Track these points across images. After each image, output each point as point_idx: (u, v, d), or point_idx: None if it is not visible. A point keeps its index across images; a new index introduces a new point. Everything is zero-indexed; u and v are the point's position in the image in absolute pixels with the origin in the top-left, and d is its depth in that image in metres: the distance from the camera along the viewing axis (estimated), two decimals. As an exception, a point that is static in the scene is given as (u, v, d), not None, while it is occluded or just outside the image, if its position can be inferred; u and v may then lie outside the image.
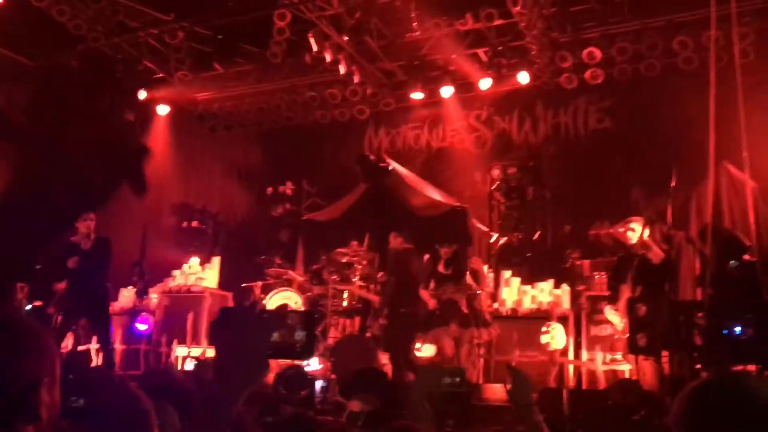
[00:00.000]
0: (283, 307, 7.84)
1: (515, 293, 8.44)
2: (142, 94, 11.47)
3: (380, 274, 8.88)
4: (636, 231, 6.77)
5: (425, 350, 8.36)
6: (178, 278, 10.00)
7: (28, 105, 10.71)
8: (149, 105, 11.79)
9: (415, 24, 9.88)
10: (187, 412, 4.10)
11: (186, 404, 4.22)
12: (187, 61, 10.62)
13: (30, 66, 10.55)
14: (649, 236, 6.70)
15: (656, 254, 6.57)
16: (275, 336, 2.12)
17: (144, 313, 9.62)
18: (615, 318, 6.99)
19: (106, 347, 7.92)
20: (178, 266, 10.25)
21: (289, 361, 6.76)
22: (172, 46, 10.48)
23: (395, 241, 8.62)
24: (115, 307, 9.65)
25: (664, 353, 6.22)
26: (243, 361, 1.77)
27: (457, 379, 3.80)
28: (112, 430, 1.83)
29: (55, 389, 1.44)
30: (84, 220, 7.74)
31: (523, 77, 10.10)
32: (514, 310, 8.31)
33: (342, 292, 9.21)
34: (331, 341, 8.55)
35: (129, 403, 2.08)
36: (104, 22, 9.96)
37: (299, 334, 2.38)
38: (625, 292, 6.86)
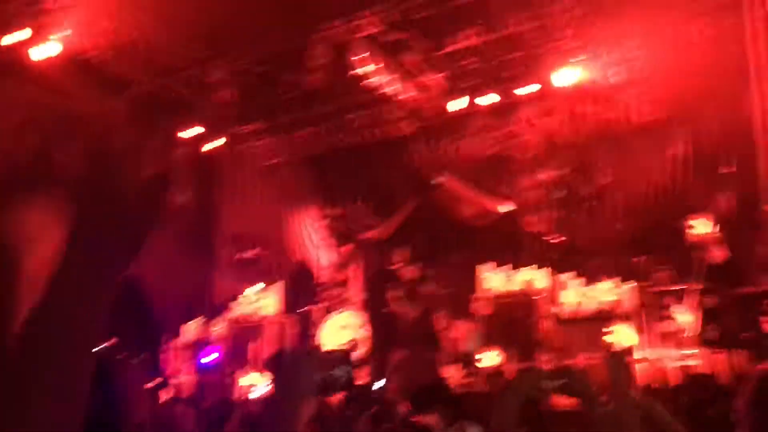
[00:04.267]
0: (320, 348, 7.89)
1: (576, 295, 8.28)
2: (192, 131, 11.77)
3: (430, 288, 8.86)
4: (699, 227, 6.59)
5: (488, 359, 8.28)
6: (238, 308, 10.17)
7: (83, 155, 11.12)
8: (197, 142, 12.08)
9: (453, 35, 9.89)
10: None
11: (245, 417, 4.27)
12: (232, 95, 10.84)
13: (81, 114, 10.95)
14: (713, 231, 6.53)
15: (720, 254, 6.38)
16: (321, 374, 2.20)
17: (210, 345, 9.80)
18: (682, 315, 6.80)
19: (161, 381, 7.97)
20: (237, 297, 10.42)
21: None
22: (217, 82, 10.72)
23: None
24: (180, 340, 9.88)
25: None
26: (292, 399, 1.83)
27: (564, 382, 3.74)
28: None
29: None
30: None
31: (566, 76, 9.97)
32: (575, 312, 8.15)
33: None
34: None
35: None
36: (149, 64, 10.28)
37: (341, 370, 2.44)
38: (690, 288, 6.68)
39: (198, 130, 11.80)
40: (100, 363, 1.67)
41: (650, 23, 9.44)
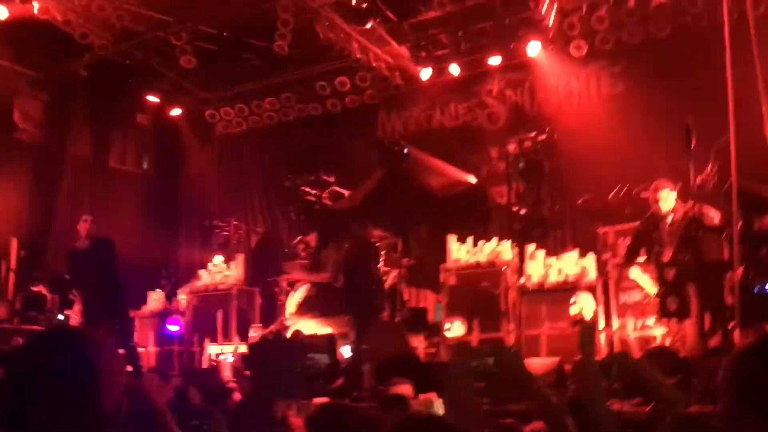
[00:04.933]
0: (299, 334, 7.86)
1: (541, 267, 8.41)
2: (153, 98, 11.53)
3: (405, 259, 8.89)
4: (665, 196, 6.71)
5: (455, 329, 8.39)
6: (205, 277, 10.09)
7: (41, 117, 10.82)
8: (161, 108, 11.85)
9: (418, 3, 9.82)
10: (233, 414, 4.14)
11: (229, 406, 4.26)
12: (194, 61, 10.61)
13: (41, 78, 10.61)
14: (677, 199, 6.66)
15: (710, 218, 6.51)
16: (303, 361, 2.19)
17: (174, 314, 9.73)
18: (642, 278, 6.94)
19: (129, 350, 7.85)
20: (203, 266, 10.33)
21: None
22: (179, 48, 10.47)
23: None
24: (145, 310, 9.77)
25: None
26: (277, 387, 1.83)
27: (491, 360, 3.80)
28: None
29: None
30: (81, 222, 7.69)
31: (533, 48, 10.02)
32: (540, 283, 8.28)
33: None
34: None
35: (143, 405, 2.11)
36: (110, 29, 9.98)
37: (323, 358, 2.45)
38: (642, 255, 6.84)
39: (159, 97, 11.58)
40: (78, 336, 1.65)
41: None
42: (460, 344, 8.04)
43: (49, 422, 1.43)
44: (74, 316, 8.04)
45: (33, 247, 9.95)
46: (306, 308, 9.24)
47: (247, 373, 6.01)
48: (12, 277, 9.39)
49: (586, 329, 2.49)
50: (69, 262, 7.78)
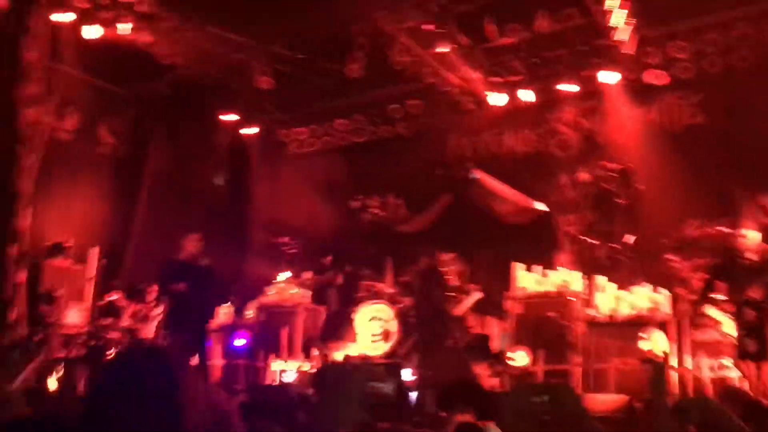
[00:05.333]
0: (367, 360, 7.95)
1: (611, 299, 8.21)
2: (230, 117, 11.87)
3: (472, 285, 8.83)
4: (749, 236, 6.49)
5: (519, 359, 8.27)
6: (272, 294, 10.26)
7: (125, 133, 11.31)
8: (237, 127, 12.19)
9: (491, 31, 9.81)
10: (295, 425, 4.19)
11: (291, 423, 4.32)
12: (272, 83, 10.89)
13: (126, 95, 11.10)
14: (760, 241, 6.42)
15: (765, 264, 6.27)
16: (367, 387, 2.21)
17: (241, 329, 9.91)
18: (719, 315, 6.71)
19: (204, 364, 8.19)
20: (271, 282, 10.51)
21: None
22: (257, 69, 10.77)
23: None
24: (213, 323, 9.99)
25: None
26: (341, 412, 1.86)
27: (546, 398, 3.73)
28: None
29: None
30: (192, 241, 8.04)
31: (608, 76, 9.86)
32: (610, 316, 8.08)
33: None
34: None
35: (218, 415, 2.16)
36: (192, 50, 10.36)
37: (388, 387, 2.46)
38: (731, 298, 6.59)
39: (236, 116, 11.91)
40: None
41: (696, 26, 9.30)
42: (522, 377, 7.93)
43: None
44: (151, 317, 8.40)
45: (112, 257, 10.36)
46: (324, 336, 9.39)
47: (312, 394, 6.07)
48: (91, 285, 9.77)
49: (658, 368, 2.41)
50: (172, 274, 8.15)
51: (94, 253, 9.95)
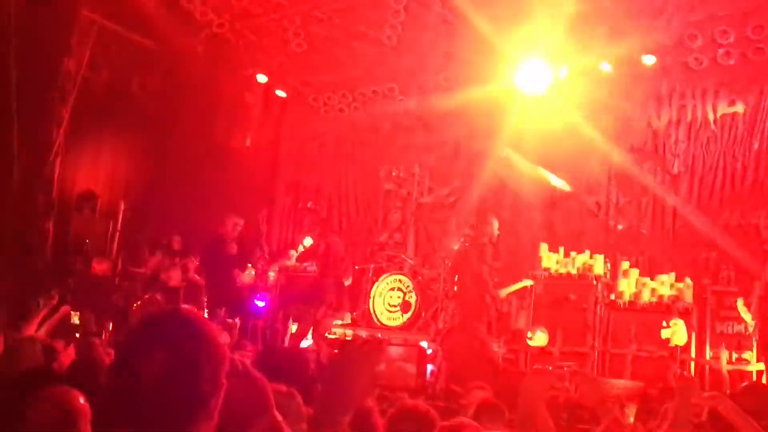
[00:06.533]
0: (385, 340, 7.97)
1: (634, 285, 8.14)
2: (262, 78, 11.82)
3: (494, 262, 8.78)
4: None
5: (537, 339, 8.26)
6: (294, 257, 10.30)
7: (157, 88, 11.32)
8: (268, 88, 12.14)
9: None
10: (311, 394, 4.22)
11: (310, 387, 4.35)
12: (305, 46, 10.80)
13: (160, 51, 11.08)
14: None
15: None
16: (382, 367, 2.19)
17: (263, 290, 9.99)
18: (746, 314, 6.62)
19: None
20: (294, 246, 10.56)
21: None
22: (291, 31, 10.68)
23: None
24: (236, 283, 10.09)
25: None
26: (349, 389, 1.86)
27: (566, 384, 3.70)
28: (231, 414, 1.89)
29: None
30: (235, 223, 8.37)
31: (649, 58, 9.62)
32: (632, 302, 8.01)
33: (454, 276, 9.18)
34: (441, 326, 8.58)
35: (249, 387, 2.17)
36: (228, 8, 10.31)
37: (410, 368, 2.46)
38: (757, 289, 6.48)
39: (267, 77, 11.86)
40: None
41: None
42: (540, 366, 7.90)
43: (151, 398, 1.48)
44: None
45: (138, 211, 10.49)
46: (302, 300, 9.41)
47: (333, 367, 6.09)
48: (117, 237, 9.91)
49: (686, 389, 2.35)
50: (214, 247, 8.53)
51: (121, 207, 10.07)
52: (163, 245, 9.55)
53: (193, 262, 9.17)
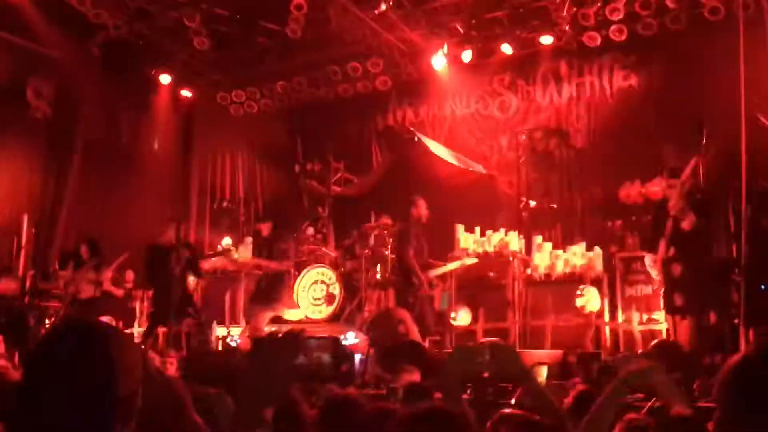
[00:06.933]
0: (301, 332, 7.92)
1: (548, 258, 8.44)
2: (165, 78, 11.53)
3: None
4: (671, 191, 6.70)
5: (461, 318, 8.45)
6: (214, 259, 10.14)
7: (54, 96, 10.85)
8: (173, 89, 11.86)
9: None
10: (240, 394, 4.18)
11: (238, 386, 4.30)
12: (207, 43, 10.60)
13: (54, 57, 10.62)
14: (683, 196, 6.61)
15: (688, 220, 6.50)
16: (301, 359, 2.21)
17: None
18: (653, 269, 6.89)
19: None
20: (212, 247, 10.40)
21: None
22: (192, 29, 10.45)
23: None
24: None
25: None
26: (267, 384, 1.89)
27: (487, 357, 3.81)
28: (149, 418, 1.89)
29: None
30: (171, 226, 8.49)
31: (546, 38, 9.96)
32: (547, 275, 8.31)
33: (375, 265, 9.26)
34: (366, 315, 8.64)
35: (164, 390, 2.16)
36: (123, 8, 9.99)
37: (325, 358, 2.50)
38: (662, 247, 6.78)
39: (171, 78, 11.58)
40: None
41: None
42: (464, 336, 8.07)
43: (63, 410, 1.46)
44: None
45: (44, 226, 10.06)
46: (255, 299, 9.32)
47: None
48: (23, 253, 9.48)
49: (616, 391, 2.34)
50: (149, 255, 8.45)
51: (25, 221, 9.63)
52: (73, 256, 9.21)
53: (107, 273, 8.88)
